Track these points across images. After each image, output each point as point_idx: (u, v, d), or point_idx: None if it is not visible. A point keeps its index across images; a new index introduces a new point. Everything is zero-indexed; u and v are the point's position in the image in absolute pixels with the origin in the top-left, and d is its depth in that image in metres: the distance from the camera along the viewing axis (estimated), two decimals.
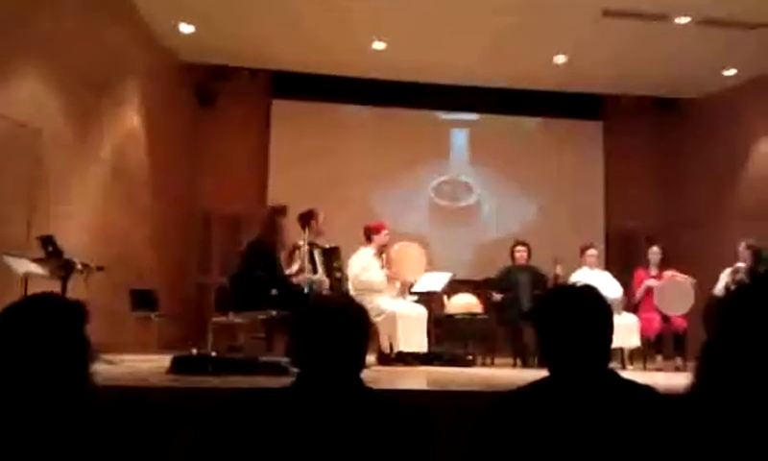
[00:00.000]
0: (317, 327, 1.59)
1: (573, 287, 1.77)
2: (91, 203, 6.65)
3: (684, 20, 7.30)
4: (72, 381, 1.59)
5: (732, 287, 6.42)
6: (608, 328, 1.65)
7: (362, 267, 6.18)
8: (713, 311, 0.95)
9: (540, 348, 1.73)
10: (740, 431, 0.90)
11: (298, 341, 1.64)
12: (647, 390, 1.66)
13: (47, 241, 5.00)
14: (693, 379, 0.94)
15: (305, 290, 5.15)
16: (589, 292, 1.70)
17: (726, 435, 0.92)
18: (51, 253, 4.99)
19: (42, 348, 1.57)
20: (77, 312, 1.68)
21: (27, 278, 4.87)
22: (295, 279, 5.34)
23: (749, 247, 6.58)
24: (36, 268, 4.88)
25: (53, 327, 1.60)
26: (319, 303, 1.73)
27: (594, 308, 1.64)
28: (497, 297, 6.85)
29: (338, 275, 5.67)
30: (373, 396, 1.60)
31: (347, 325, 1.59)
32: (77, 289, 5.08)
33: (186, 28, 7.81)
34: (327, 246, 5.81)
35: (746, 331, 0.88)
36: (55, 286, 4.87)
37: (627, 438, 1.50)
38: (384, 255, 6.33)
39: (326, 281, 5.50)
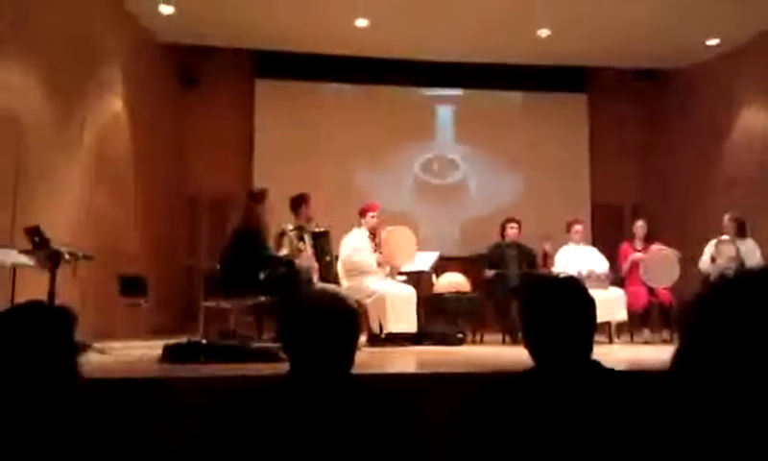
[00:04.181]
0: (307, 329, 1.61)
1: (557, 280, 1.81)
2: (76, 190, 6.60)
3: None
4: (61, 390, 1.60)
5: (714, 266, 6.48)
6: (591, 322, 1.69)
7: (354, 248, 6.21)
8: (686, 318, 0.98)
9: (524, 339, 1.77)
10: (715, 425, 0.93)
11: (288, 341, 1.66)
12: (629, 378, 1.71)
13: (33, 232, 4.96)
14: (667, 385, 0.97)
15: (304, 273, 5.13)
16: (572, 285, 1.74)
17: (704, 429, 0.95)
18: (38, 243, 4.94)
19: (30, 359, 1.58)
20: (64, 319, 1.68)
21: (15, 269, 4.86)
22: (297, 262, 5.32)
23: (734, 219, 6.65)
24: (23, 259, 4.86)
25: (41, 337, 1.60)
26: (309, 302, 1.75)
27: (577, 303, 1.68)
28: (489, 273, 6.88)
29: (327, 258, 5.68)
30: (362, 392, 1.63)
31: (337, 326, 1.62)
32: (66, 278, 5.08)
33: (166, 9, 7.70)
34: (317, 229, 5.82)
35: (715, 341, 0.91)
36: (43, 277, 4.86)
37: (609, 427, 1.54)
38: (377, 238, 6.36)
39: (315, 265, 5.51)
